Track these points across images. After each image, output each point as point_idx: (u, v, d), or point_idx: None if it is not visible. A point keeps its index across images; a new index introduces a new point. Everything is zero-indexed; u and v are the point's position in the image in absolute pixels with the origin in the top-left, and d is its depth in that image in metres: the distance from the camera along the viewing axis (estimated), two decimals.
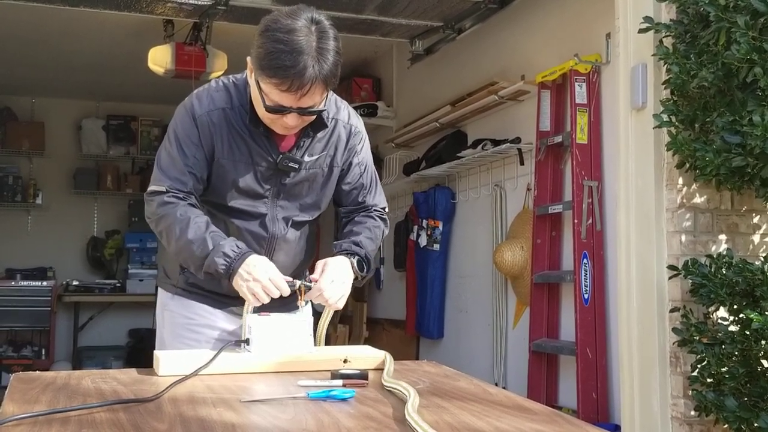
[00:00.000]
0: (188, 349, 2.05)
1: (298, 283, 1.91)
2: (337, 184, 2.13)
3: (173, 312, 2.14)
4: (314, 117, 1.93)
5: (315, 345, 2.00)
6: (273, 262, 1.93)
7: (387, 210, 2.23)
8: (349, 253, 2.01)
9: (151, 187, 1.98)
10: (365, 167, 2.15)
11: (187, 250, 1.90)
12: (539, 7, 4.25)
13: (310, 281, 1.92)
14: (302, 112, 1.86)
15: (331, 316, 2.07)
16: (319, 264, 1.96)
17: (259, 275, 1.85)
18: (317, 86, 1.80)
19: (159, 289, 2.22)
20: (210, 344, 2.07)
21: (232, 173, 1.98)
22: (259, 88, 1.84)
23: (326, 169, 2.07)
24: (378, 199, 2.20)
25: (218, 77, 2.06)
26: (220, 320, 2.13)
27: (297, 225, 2.10)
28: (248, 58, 1.87)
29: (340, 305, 1.95)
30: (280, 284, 1.87)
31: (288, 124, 1.88)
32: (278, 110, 1.85)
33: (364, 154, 2.15)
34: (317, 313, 2.06)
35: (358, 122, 2.11)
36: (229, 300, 2.07)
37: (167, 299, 2.17)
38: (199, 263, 1.89)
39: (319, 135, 2.02)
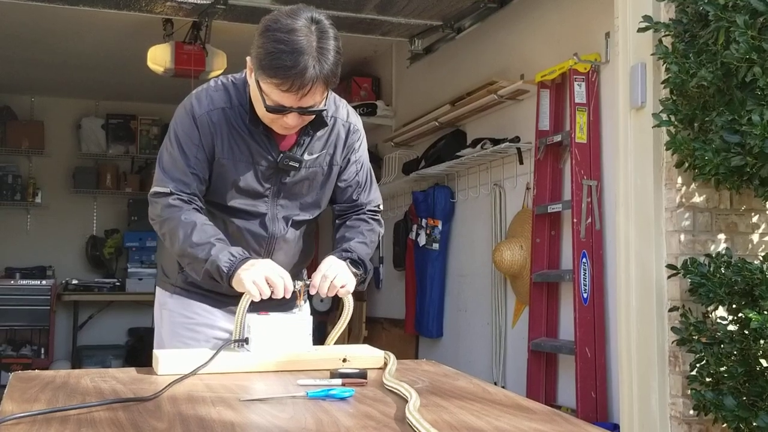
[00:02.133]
0: (187, 348, 2.05)
1: (299, 284, 1.91)
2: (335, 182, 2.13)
3: (172, 311, 2.14)
4: (314, 116, 1.93)
5: (325, 345, 2.00)
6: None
7: (381, 207, 2.22)
8: (342, 260, 2.00)
9: (155, 188, 1.98)
10: (362, 165, 2.15)
11: (191, 253, 1.90)
12: (538, 7, 4.25)
13: (309, 282, 1.93)
14: (303, 111, 1.86)
15: (348, 319, 2.02)
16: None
17: (263, 265, 1.85)
18: (318, 86, 1.80)
19: (157, 288, 2.22)
20: (209, 343, 2.07)
21: (232, 173, 1.98)
22: (260, 88, 1.84)
23: (326, 167, 2.07)
24: (373, 196, 2.20)
25: (217, 77, 2.06)
26: (219, 319, 2.12)
27: (297, 224, 2.10)
28: (248, 58, 1.87)
29: (349, 288, 1.94)
30: (283, 274, 1.86)
31: (288, 124, 1.89)
32: (279, 110, 1.85)
33: (362, 152, 2.15)
34: (316, 312, 2.06)
35: (356, 120, 2.12)
36: (227, 299, 2.07)
37: (166, 298, 2.17)
38: (201, 265, 1.89)
39: (319, 133, 2.02)
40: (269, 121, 1.91)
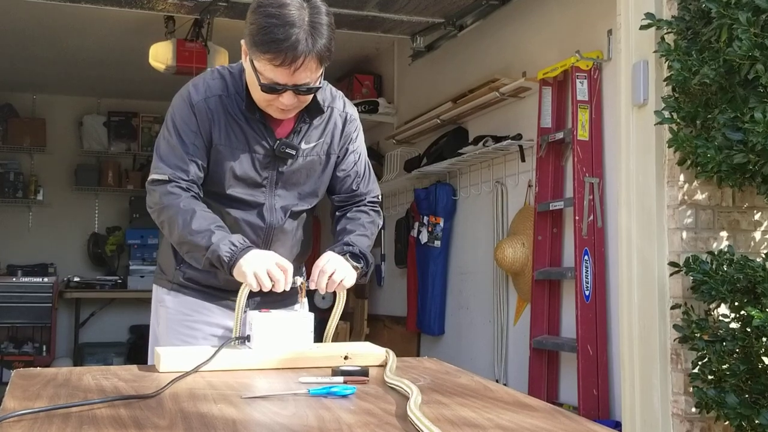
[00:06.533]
0: (185, 346, 2.04)
1: (299, 280, 1.90)
2: (332, 172, 2.12)
3: (168, 308, 2.13)
4: (310, 98, 1.92)
5: (323, 342, 2.00)
6: None
7: (380, 198, 2.22)
8: (343, 254, 1.99)
9: (153, 176, 1.96)
10: (360, 155, 2.15)
11: (191, 240, 1.88)
12: (540, 4, 4.24)
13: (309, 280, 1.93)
14: (297, 90, 1.85)
15: (341, 312, 2.04)
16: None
17: (266, 258, 1.84)
18: (311, 60, 1.79)
19: (154, 285, 2.21)
20: (206, 340, 2.07)
21: (229, 160, 1.97)
22: (254, 68, 1.84)
23: (323, 156, 2.07)
24: (371, 186, 2.19)
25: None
26: (217, 316, 2.11)
27: (294, 215, 2.09)
28: (242, 41, 1.87)
29: (347, 283, 1.92)
30: (286, 266, 1.84)
31: (284, 104, 1.87)
32: (273, 88, 1.84)
33: (359, 142, 2.15)
34: (318, 310, 2.06)
35: (353, 110, 2.12)
36: (225, 294, 2.06)
37: (163, 295, 2.15)
38: (202, 253, 1.87)
39: (316, 122, 2.02)
40: (265, 104, 1.91)
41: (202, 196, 1.98)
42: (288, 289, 1.87)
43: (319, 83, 1.89)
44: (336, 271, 1.91)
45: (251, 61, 1.84)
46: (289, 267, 1.86)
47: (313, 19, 1.78)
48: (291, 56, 1.76)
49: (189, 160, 1.95)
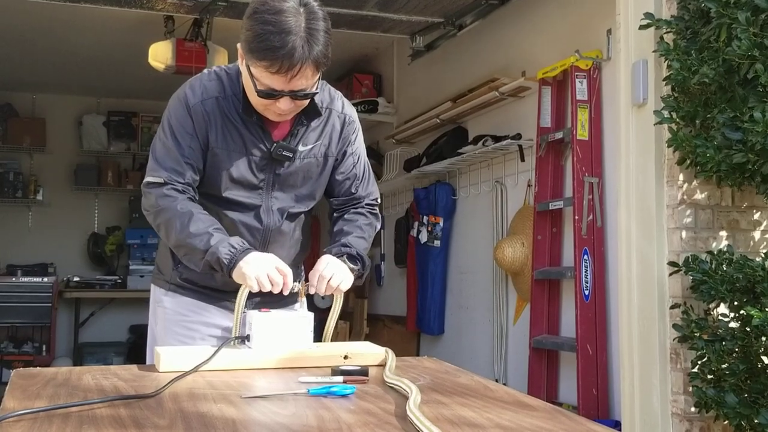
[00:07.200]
0: (183, 346, 2.03)
1: (297, 287, 1.90)
2: (330, 174, 2.11)
3: (166, 308, 2.12)
4: (307, 102, 1.91)
5: (322, 342, 2.00)
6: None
7: (379, 200, 2.21)
8: (340, 255, 1.99)
9: (148, 178, 1.96)
10: (358, 157, 2.13)
11: (189, 243, 1.87)
12: (540, 3, 4.24)
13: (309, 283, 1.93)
14: (294, 95, 1.84)
15: (338, 313, 2.04)
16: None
17: (266, 261, 1.84)
18: (307, 67, 1.78)
19: (152, 285, 2.20)
20: (204, 341, 2.06)
21: (226, 162, 1.96)
22: (250, 74, 1.83)
23: (321, 159, 2.06)
24: (370, 189, 2.18)
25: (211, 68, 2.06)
26: (215, 316, 2.11)
27: (292, 216, 2.08)
28: (238, 45, 1.86)
29: (344, 287, 1.93)
30: (285, 271, 1.84)
31: (281, 109, 1.87)
32: (270, 94, 1.83)
33: (358, 144, 2.13)
34: (318, 310, 2.06)
35: (351, 112, 2.11)
36: (223, 295, 2.06)
37: (161, 295, 2.15)
38: (200, 256, 1.86)
39: (313, 124, 2.01)
40: (262, 108, 1.90)
41: (197, 198, 1.97)
42: (286, 293, 1.87)
43: (317, 88, 1.88)
44: (334, 275, 1.91)
45: (248, 67, 1.84)
46: (289, 272, 1.86)
47: (309, 25, 1.77)
48: (287, 64, 1.75)
49: (185, 163, 1.94)
